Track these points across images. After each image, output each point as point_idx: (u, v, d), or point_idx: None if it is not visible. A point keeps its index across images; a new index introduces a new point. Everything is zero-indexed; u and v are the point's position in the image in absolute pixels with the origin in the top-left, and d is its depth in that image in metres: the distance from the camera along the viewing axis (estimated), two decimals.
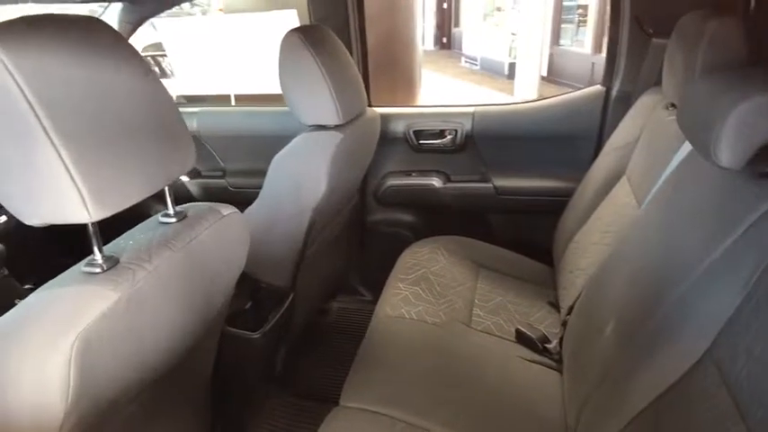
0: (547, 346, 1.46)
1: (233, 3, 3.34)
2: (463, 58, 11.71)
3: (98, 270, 0.73)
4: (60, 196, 0.66)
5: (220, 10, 3.19)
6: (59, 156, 0.64)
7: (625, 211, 1.44)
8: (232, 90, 2.80)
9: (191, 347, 0.95)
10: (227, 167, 2.33)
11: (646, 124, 1.54)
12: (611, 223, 1.49)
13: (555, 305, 1.64)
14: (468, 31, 11.66)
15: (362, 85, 1.64)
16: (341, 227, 1.84)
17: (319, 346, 2.04)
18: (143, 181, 0.75)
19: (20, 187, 0.67)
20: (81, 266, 0.74)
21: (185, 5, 5.06)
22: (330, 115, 1.46)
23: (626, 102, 1.79)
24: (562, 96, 2.01)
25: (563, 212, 1.82)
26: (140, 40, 4.04)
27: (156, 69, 4.03)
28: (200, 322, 0.94)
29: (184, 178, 2.27)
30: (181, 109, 2.46)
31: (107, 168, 0.69)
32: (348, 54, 1.59)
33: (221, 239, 0.93)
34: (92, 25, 0.76)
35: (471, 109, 2.04)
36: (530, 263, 1.87)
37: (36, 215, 0.69)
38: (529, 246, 1.92)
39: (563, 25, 9.78)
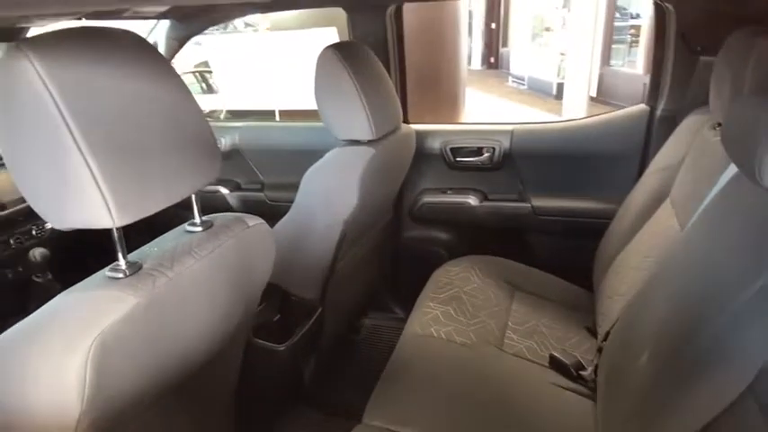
0: (581, 373, 1.40)
1: (280, 21, 3.43)
2: (510, 78, 11.63)
3: (121, 275, 0.74)
4: (86, 202, 0.67)
5: (267, 29, 3.28)
6: (86, 163, 0.66)
7: (667, 235, 1.39)
8: (276, 105, 2.86)
9: (212, 357, 0.95)
10: (265, 181, 2.36)
11: (691, 145, 1.48)
12: (652, 247, 1.44)
13: (592, 331, 1.58)
14: (516, 50, 11.59)
15: (398, 102, 1.64)
16: (374, 242, 1.83)
17: (349, 363, 2.02)
18: (167, 189, 0.76)
19: (50, 193, 0.69)
20: (105, 271, 0.76)
21: (239, 24, 5.22)
22: (363, 130, 1.46)
23: (671, 122, 1.73)
24: (604, 115, 1.96)
25: (603, 235, 1.76)
26: (192, 57, 4.19)
27: (204, 85, 4.17)
28: (221, 332, 0.94)
29: (224, 191, 2.32)
30: (224, 124, 2.56)
31: (132, 176, 0.71)
32: (384, 70, 1.60)
33: (246, 249, 0.94)
34: (125, 38, 0.78)
35: (510, 127, 2.01)
36: (567, 286, 1.81)
37: (64, 220, 0.71)
38: (567, 268, 1.86)
39: (614, 45, 9.61)
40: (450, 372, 1.35)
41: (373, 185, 1.49)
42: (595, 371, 1.37)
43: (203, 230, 0.89)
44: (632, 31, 9.32)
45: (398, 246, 2.19)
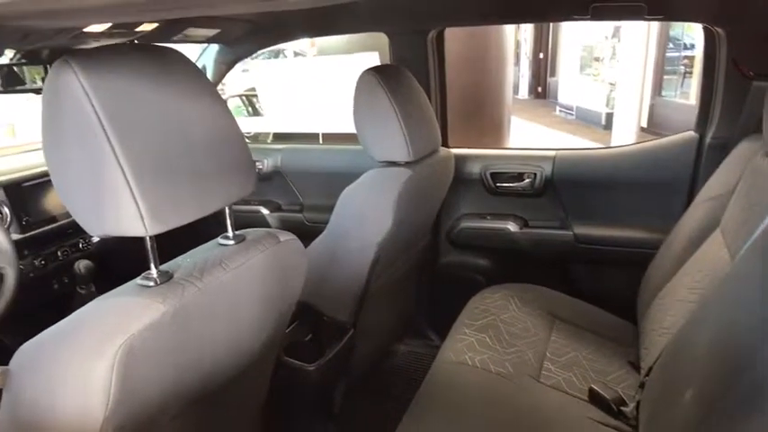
0: (623, 409, 1.33)
1: (326, 47, 3.51)
2: (558, 108, 11.51)
3: (151, 284, 0.76)
4: (121, 210, 0.70)
5: (314, 55, 3.38)
6: (122, 172, 0.68)
7: (716, 267, 1.32)
8: (319, 128, 2.91)
9: (239, 372, 0.95)
10: (304, 203, 2.39)
11: (743, 173, 1.42)
12: (699, 279, 1.37)
13: (635, 366, 1.51)
14: (565, 80, 11.49)
15: (436, 125, 1.63)
16: (410, 266, 1.81)
17: (382, 389, 1.99)
18: (200, 201, 0.78)
19: (87, 200, 0.72)
20: (137, 280, 0.78)
21: (289, 50, 5.36)
22: (400, 152, 1.46)
23: (721, 149, 1.66)
24: (651, 142, 1.90)
25: (648, 266, 1.69)
26: (242, 83, 4.34)
27: (250, 109, 4.29)
28: (248, 346, 0.94)
29: (265, 211, 2.36)
30: (267, 146, 2.61)
31: (165, 187, 0.73)
32: (424, 94, 1.61)
33: (276, 264, 0.94)
34: (167, 55, 0.81)
35: (552, 152, 1.98)
36: (610, 318, 1.74)
37: (100, 227, 0.73)
38: (610, 299, 1.80)
39: (666, 77, 9.41)
40: (484, 401, 1.31)
41: (409, 207, 1.48)
42: (637, 407, 1.31)
43: (235, 244, 0.90)
44: (685, 61, 9.12)
45: (435, 271, 2.16)
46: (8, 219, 1.54)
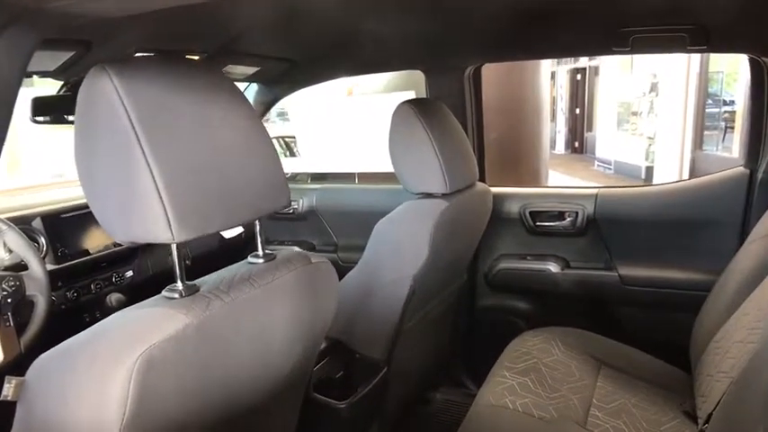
0: None
1: (366, 87, 3.54)
2: (596, 162, 11.43)
3: (176, 296, 0.74)
4: (149, 216, 0.68)
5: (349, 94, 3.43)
6: (152, 177, 0.67)
7: None
8: (354, 168, 2.91)
9: (266, 399, 0.90)
10: (339, 242, 2.36)
11: None
12: (761, 318, 1.27)
13: (691, 415, 1.40)
14: (602, 134, 11.44)
15: (473, 158, 1.61)
16: (446, 307, 1.75)
17: None
18: (229, 211, 0.77)
19: (116, 205, 0.71)
20: (163, 292, 0.76)
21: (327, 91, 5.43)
22: (437, 183, 1.44)
23: None
24: (697, 179, 1.83)
25: (701, 309, 1.59)
26: (278, 130, 4.45)
27: (287, 152, 4.37)
28: (275, 370, 0.89)
29: (298, 250, 2.34)
30: (302, 186, 2.62)
31: (194, 194, 0.71)
32: (461, 127, 1.59)
33: (306, 285, 0.91)
34: (202, 67, 0.81)
35: (594, 190, 1.92)
36: (660, 365, 1.63)
37: (126, 233, 0.72)
38: (659, 345, 1.69)
39: (706, 132, 9.33)
40: None
41: (445, 239, 1.44)
42: None
43: (265, 262, 0.88)
44: (726, 116, 9.03)
45: (473, 314, 2.09)
46: (44, 249, 1.54)
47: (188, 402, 0.74)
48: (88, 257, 1.66)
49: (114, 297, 1.68)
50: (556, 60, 11.75)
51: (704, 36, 1.42)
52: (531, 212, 1.97)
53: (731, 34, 1.48)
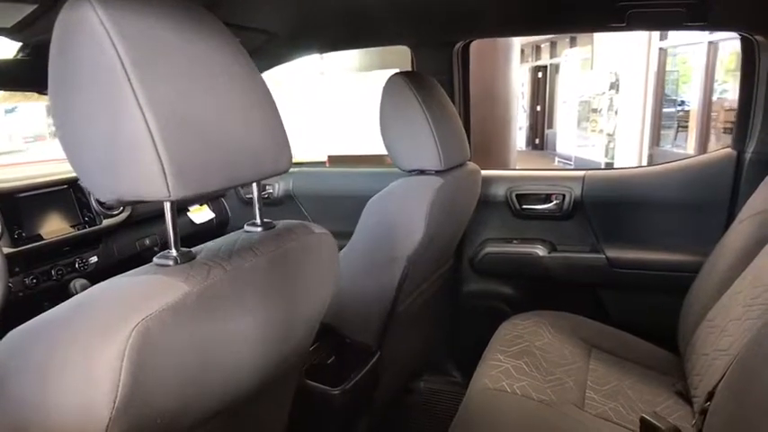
0: None
1: (342, 62, 3.42)
2: (557, 158, 11.62)
3: (171, 262, 0.65)
4: (141, 168, 0.59)
5: (321, 73, 3.28)
6: (146, 123, 0.58)
7: None
8: (324, 153, 2.80)
9: (264, 382, 0.81)
10: None
11: None
12: (757, 295, 1.27)
13: (683, 395, 1.39)
14: (563, 131, 11.63)
15: (465, 136, 1.55)
16: (433, 292, 1.69)
17: (403, 428, 1.83)
18: (230, 167, 0.67)
19: (100, 157, 0.61)
20: (155, 259, 0.66)
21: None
22: (431, 160, 1.37)
23: (763, 165, 1.59)
24: (685, 161, 1.83)
25: (689, 290, 1.58)
26: None
27: None
28: (277, 350, 0.81)
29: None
30: None
31: (193, 146, 0.62)
32: (451, 103, 1.53)
33: (309, 257, 0.83)
34: (198, 11, 0.71)
35: (581, 173, 1.89)
36: (649, 347, 1.62)
37: (113, 189, 0.62)
38: (646, 327, 1.68)
39: (662, 131, 9.64)
40: (530, 430, 1.18)
41: (440, 218, 1.37)
42: None
43: (263, 231, 0.79)
44: (681, 115, 9.34)
45: (457, 300, 2.03)
46: None
47: (185, 384, 0.64)
48: (49, 241, 1.53)
49: (79, 283, 1.56)
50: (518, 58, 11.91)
51: (702, 12, 1.40)
52: (517, 195, 1.93)
53: (727, 12, 1.47)
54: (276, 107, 0.77)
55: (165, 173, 0.58)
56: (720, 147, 1.79)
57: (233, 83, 0.70)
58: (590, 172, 1.89)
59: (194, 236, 1.99)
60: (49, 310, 0.60)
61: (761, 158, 1.63)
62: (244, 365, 0.74)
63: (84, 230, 1.62)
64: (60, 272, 1.57)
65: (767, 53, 1.55)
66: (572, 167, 10.72)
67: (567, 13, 1.58)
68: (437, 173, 1.39)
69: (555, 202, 1.89)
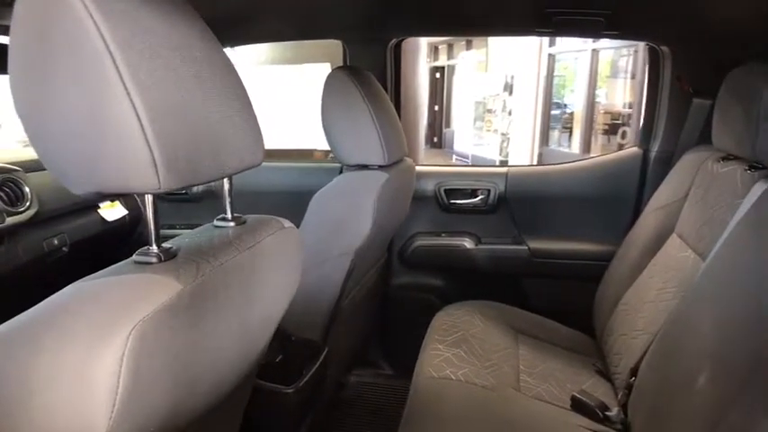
0: (607, 414, 1.31)
1: (270, 55, 3.28)
2: (454, 156, 12.01)
3: (154, 260, 0.61)
4: (128, 156, 0.54)
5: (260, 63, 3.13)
6: (133, 107, 0.53)
7: (683, 266, 1.37)
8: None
9: (240, 382, 0.80)
10: None
11: (694, 181, 1.50)
12: (668, 279, 1.41)
13: (603, 373, 1.51)
14: (459, 130, 12.05)
15: (402, 131, 1.59)
16: (370, 285, 1.71)
17: (337, 424, 1.83)
18: (218, 158, 0.64)
19: (78, 147, 0.56)
20: (134, 257, 0.62)
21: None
22: (376, 154, 1.40)
23: (666, 162, 1.76)
24: (597, 158, 1.99)
25: (602, 277, 1.72)
26: None
27: None
28: (254, 347, 0.80)
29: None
30: None
31: (184, 134, 0.58)
32: (389, 98, 1.56)
33: (285, 251, 0.82)
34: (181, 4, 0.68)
35: (504, 169, 2.00)
36: (568, 331, 1.75)
37: (92, 181, 0.57)
38: (565, 312, 1.81)
39: (551, 132, 10.25)
40: (478, 414, 1.25)
41: (385, 213, 1.40)
42: (623, 410, 1.29)
43: (236, 225, 0.76)
44: (566, 116, 9.98)
45: (387, 294, 2.07)
46: None
47: (180, 388, 0.61)
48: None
49: None
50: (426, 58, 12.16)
51: (617, 23, 1.53)
52: (445, 190, 2.00)
53: (638, 24, 1.62)
54: (248, 95, 0.75)
55: (155, 162, 0.54)
56: (627, 146, 1.96)
57: (214, 70, 0.66)
58: (513, 168, 2.00)
59: (108, 232, 1.87)
60: (25, 313, 0.55)
61: (664, 156, 1.81)
62: (229, 363, 0.72)
63: None
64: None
65: (670, 62, 1.73)
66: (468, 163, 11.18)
67: (498, 16, 1.66)
68: (380, 168, 1.41)
69: (481, 196, 1.98)
